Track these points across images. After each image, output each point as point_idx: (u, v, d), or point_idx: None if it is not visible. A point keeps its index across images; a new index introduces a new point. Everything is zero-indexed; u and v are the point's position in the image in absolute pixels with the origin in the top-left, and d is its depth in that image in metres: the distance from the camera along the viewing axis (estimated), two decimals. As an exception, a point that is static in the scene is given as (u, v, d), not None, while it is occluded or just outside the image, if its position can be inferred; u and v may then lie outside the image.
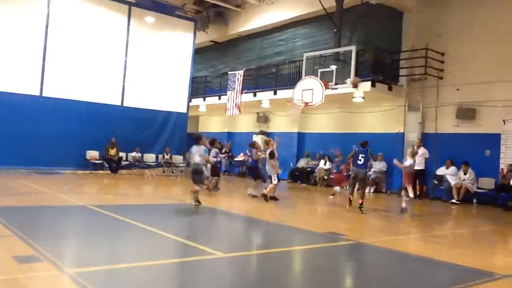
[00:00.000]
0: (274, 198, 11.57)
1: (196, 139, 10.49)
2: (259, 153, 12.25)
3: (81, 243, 5.73)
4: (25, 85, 16.27)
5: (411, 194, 10.72)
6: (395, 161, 11.73)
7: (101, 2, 18.48)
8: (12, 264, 4.32)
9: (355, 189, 11.67)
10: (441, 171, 14.75)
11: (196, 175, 9.86)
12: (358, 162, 10.84)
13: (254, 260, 5.46)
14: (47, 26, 17.11)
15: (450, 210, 12.43)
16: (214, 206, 10.21)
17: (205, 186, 11.48)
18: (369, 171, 16.73)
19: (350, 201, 10.81)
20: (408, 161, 11.01)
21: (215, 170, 12.82)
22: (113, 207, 8.94)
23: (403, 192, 10.76)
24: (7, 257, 4.56)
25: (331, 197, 13.00)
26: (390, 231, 8.42)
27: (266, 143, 12.41)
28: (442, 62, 15.58)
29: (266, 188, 11.46)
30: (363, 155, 10.83)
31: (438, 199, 14.47)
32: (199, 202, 9.66)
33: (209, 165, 11.96)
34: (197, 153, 9.93)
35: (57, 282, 3.95)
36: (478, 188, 14.07)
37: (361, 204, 10.40)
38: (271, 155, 11.64)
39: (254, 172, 12.67)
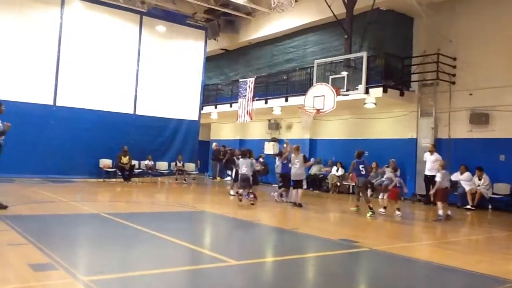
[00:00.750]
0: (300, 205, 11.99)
1: (243, 153, 12.85)
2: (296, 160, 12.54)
3: (95, 251, 5.77)
4: (39, 95, 16.49)
5: (440, 212, 10.67)
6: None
7: (113, 12, 18.70)
8: (28, 272, 4.36)
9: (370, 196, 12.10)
10: (455, 176, 14.60)
11: (244, 182, 12.00)
12: (361, 172, 11.49)
13: (267, 268, 5.45)
14: (60, 37, 17.35)
15: (465, 216, 12.30)
16: (226, 214, 10.22)
17: (239, 195, 12.34)
18: (382, 177, 16.67)
19: (371, 208, 11.02)
20: (438, 176, 10.98)
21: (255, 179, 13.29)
22: (126, 215, 8.99)
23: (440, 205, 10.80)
24: (22, 265, 4.61)
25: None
26: (404, 238, 8.35)
27: (297, 149, 12.57)
28: (454, 67, 15.49)
29: (291, 195, 12.26)
30: (363, 166, 11.53)
31: (452, 205, 14.31)
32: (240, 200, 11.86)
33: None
34: (243, 165, 12.06)
35: (71, 290, 3.99)
36: (493, 193, 13.90)
37: (371, 208, 11.00)
38: (305, 159, 12.60)
39: (287, 180, 12.98)
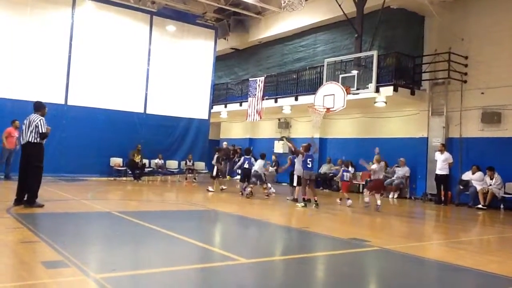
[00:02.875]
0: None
1: (261, 155, 14.15)
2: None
3: (106, 249, 5.82)
4: (50, 94, 16.58)
5: (367, 199, 12.09)
6: (361, 161, 12.72)
7: (124, 12, 18.81)
8: (41, 269, 4.41)
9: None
10: (466, 176, 14.51)
11: (256, 179, 13.46)
12: (308, 166, 12.01)
13: (277, 266, 5.45)
14: (71, 37, 17.51)
15: (476, 216, 12.20)
16: (236, 212, 10.25)
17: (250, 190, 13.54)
18: (392, 176, 16.61)
19: (305, 200, 11.78)
20: (374, 167, 12.09)
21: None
22: (137, 213, 9.05)
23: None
24: (35, 262, 4.67)
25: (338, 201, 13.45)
26: (415, 237, 8.31)
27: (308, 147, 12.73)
28: (466, 65, 15.37)
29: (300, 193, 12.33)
30: (310, 159, 12.11)
31: (464, 205, 14.22)
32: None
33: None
34: (257, 165, 13.59)
35: (84, 287, 4.02)
36: (505, 193, 13.79)
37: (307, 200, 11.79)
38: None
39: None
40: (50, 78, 17.00)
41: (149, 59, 19.45)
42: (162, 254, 5.64)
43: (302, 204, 11.63)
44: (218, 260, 5.47)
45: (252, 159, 14.24)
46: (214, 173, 15.25)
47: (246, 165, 13.97)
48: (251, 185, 13.57)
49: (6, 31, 16.23)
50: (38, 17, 16.84)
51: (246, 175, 13.95)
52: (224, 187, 15.18)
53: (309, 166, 11.99)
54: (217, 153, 15.79)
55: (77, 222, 7.72)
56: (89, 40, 17.90)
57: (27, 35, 16.54)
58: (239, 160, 15.37)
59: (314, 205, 11.56)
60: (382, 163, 12.78)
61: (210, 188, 14.74)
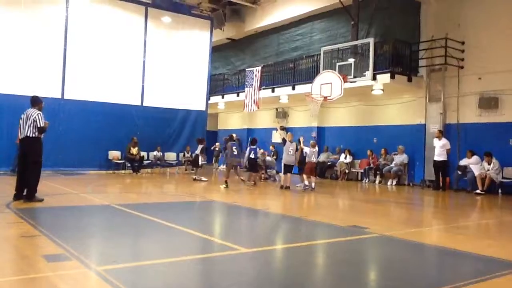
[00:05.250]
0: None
1: (251, 141, 14.66)
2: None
3: (107, 241, 5.84)
4: (47, 89, 16.48)
5: (306, 182, 13.32)
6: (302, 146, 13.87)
7: (118, 4, 18.67)
8: (42, 262, 4.43)
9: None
10: (464, 161, 14.55)
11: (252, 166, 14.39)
12: (234, 153, 14.03)
13: (277, 255, 5.49)
14: (66, 30, 17.39)
15: (475, 201, 12.26)
16: (235, 202, 10.28)
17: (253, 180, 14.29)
18: (390, 163, 16.66)
19: (226, 182, 13.18)
20: (308, 151, 13.54)
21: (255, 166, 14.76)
22: (137, 205, 9.07)
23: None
24: (36, 256, 4.68)
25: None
26: (413, 224, 8.36)
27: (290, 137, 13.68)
28: (463, 51, 15.35)
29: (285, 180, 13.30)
30: (235, 147, 14.09)
31: (462, 190, 14.29)
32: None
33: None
34: (252, 152, 14.24)
35: (86, 279, 4.04)
36: (503, 178, 13.84)
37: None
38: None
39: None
40: (46, 73, 16.90)
41: (145, 51, 19.35)
42: (162, 245, 5.66)
43: (225, 185, 12.99)
44: (218, 250, 5.50)
45: (258, 149, 14.79)
46: (200, 163, 15.78)
47: (252, 155, 14.28)
48: (254, 174, 14.37)
49: (0, 26, 16.11)
50: (32, 10, 16.70)
51: (252, 165, 14.34)
52: (243, 178, 15.02)
53: (235, 153, 14.07)
54: (199, 144, 16.03)
55: (77, 215, 7.74)
56: (85, 33, 17.77)
57: (21, 30, 16.42)
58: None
59: (225, 185, 13.00)
60: (316, 148, 13.93)
61: (203, 178, 15.38)
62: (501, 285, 4.28)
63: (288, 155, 13.26)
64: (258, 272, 4.56)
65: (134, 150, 18.03)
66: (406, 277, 4.56)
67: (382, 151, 17.12)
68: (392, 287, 4.15)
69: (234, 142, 14.40)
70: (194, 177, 15.61)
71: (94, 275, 4.10)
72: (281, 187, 13.30)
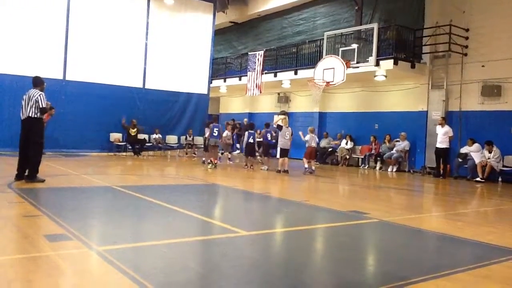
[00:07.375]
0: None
1: (249, 125, 15.44)
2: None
3: (108, 222, 5.87)
4: (48, 70, 16.42)
5: (306, 165, 13.69)
6: (301, 133, 14.35)
7: (121, -15, 18.51)
8: (43, 242, 4.46)
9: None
10: (465, 149, 14.55)
11: (251, 151, 14.68)
12: (214, 134, 14.29)
13: (277, 238, 5.52)
14: (68, 11, 17.28)
15: (475, 189, 12.29)
16: (236, 186, 10.31)
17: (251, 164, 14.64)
18: (392, 150, 16.66)
19: (211, 162, 14.10)
20: (307, 138, 13.86)
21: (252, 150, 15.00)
22: (138, 187, 9.10)
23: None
24: (38, 236, 4.71)
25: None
26: (414, 210, 8.38)
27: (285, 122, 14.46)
28: (467, 38, 15.24)
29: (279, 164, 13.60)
30: (217, 129, 14.42)
31: (462, 178, 14.31)
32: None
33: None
34: (250, 137, 14.53)
35: (86, 259, 4.07)
36: (504, 166, 13.86)
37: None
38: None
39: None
40: (48, 53, 16.85)
41: (147, 33, 19.24)
42: (163, 227, 5.69)
43: (211, 165, 13.84)
44: (218, 232, 5.53)
45: (256, 134, 14.94)
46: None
47: (250, 140, 14.48)
48: (253, 158, 14.74)
49: (2, 7, 16.00)
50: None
51: (250, 150, 14.56)
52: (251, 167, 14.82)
53: (215, 134, 14.40)
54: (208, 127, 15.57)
55: (79, 196, 7.77)
56: (87, 14, 17.66)
57: (23, 10, 16.30)
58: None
59: (210, 165, 13.87)
60: (314, 134, 14.37)
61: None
62: (499, 271, 4.31)
63: (284, 139, 13.61)
64: (258, 254, 4.59)
65: (133, 131, 18.00)
66: (405, 262, 4.59)
67: (387, 137, 17.08)
68: (391, 271, 4.18)
69: (216, 124, 14.74)
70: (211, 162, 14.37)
71: (95, 255, 4.13)
72: (278, 171, 13.42)
